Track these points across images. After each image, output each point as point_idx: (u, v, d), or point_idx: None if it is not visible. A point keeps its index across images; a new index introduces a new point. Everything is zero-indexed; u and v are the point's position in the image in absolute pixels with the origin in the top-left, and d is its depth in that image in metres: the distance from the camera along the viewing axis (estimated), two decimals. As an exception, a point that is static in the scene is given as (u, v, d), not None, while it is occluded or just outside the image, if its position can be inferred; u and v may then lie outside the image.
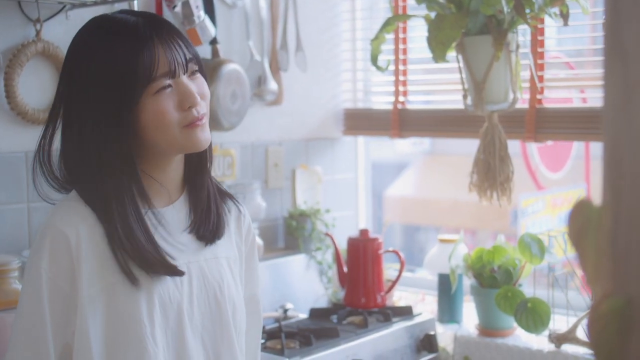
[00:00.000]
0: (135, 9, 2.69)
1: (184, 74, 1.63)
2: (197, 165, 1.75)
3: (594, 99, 3.21)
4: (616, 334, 0.77)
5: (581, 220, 0.81)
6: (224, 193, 1.86)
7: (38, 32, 2.57)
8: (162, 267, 1.61)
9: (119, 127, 1.58)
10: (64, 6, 2.63)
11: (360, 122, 3.60)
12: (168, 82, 1.60)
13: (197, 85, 1.66)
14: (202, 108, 1.65)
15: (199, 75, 1.68)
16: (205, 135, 1.66)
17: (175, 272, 1.64)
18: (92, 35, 1.64)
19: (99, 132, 1.59)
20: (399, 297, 3.36)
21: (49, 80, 2.63)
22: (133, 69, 1.56)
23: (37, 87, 2.60)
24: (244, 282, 1.86)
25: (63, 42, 2.63)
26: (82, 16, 2.67)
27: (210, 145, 1.73)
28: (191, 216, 1.74)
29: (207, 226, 1.74)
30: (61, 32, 2.64)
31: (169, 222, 1.69)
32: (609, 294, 0.79)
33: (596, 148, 4.76)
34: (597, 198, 0.82)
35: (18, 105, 2.52)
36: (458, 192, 8.80)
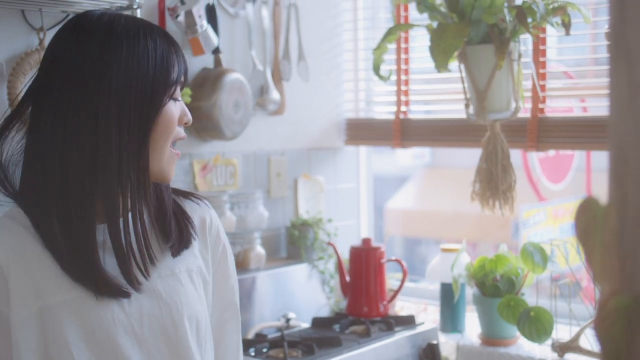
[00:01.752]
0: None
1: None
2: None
3: (595, 108, 3.21)
4: (623, 332, 0.77)
5: (588, 218, 0.81)
6: (180, 202, 1.74)
7: (41, 41, 2.57)
8: (106, 287, 1.52)
9: (142, 138, 1.53)
10: (67, 15, 2.64)
11: (362, 132, 3.61)
12: (179, 92, 1.61)
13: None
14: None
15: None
16: (173, 170, 1.63)
17: (119, 293, 1.53)
18: (105, 23, 1.54)
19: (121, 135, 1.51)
20: (400, 307, 3.35)
21: (52, 89, 2.64)
22: (166, 68, 1.55)
23: (40, 95, 2.60)
24: (217, 291, 1.77)
25: (66, 50, 2.64)
26: (85, 25, 2.68)
27: None
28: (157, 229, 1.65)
29: (168, 241, 1.65)
30: (64, 41, 2.65)
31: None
32: (615, 291, 0.79)
33: (597, 160, 4.78)
34: (603, 196, 0.82)
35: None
36: (459, 204, 8.80)
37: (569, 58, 3.20)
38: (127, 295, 1.54)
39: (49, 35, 2.59)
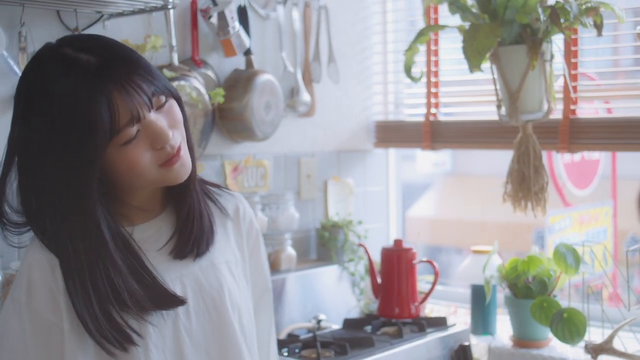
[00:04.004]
0: (171, 20, 2.71)
1: (150, 112, 1.49)
2: (181, 186, 1.62)
3: (620, 109, 3.19)
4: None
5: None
6: (213, 192, 1.75)
7: (76, 41, 2.59)
8: (162, 299, 1.53)
9: (84, 185, 1.46)
10: (102, 15, 2.65)
11: (392, 134, 3.61)
12: (134, 129, 1.46)
13: (167, 116, 1.52)
14: (177, 140, 1.53)
15: (168, 101, 1.53)
16: (184, 167, 1.55)
17: (176, 302, 1.55)
18: (44, 78, 1.47)
19: (62, 187, 1.46)
20: (430, 310, 3.34)
21: (87, 89, 2.65)
22: (93, 125, 1.41)
23: (74, 95, 2.62)
24: (252, 280, 1.78)
25: (100, 51, 2.65)
26: (119, 25, 2.70)
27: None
28: (177, 230, 1.64)
29: (191, 243, 1.64)
30: (98, 41, 2.66)
31: (149, 237, 1.60)
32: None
33: (623, 166, 4.75)
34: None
35: (56, 113, 2.53)
36: (479, 212, 8.77)
37: (590, 59, 3.18)
38: (182, 302, 1.56)
39: (84, 36, 2.60)
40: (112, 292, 1.46)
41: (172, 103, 1.54)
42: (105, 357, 1.47)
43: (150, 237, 1.60)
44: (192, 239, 1.63)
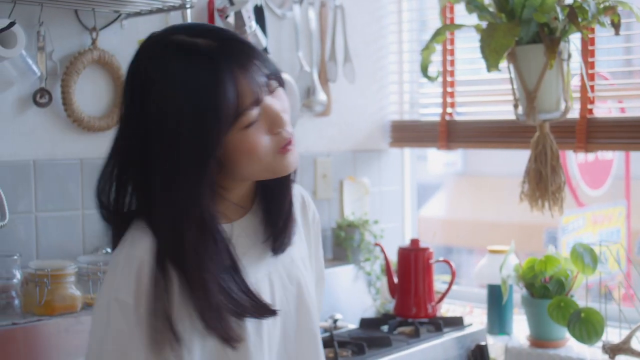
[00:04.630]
0: (188, 18, 2.72)
1: (267, 95, 1.47)
2: (284, 179, 1.59)
3: (634, 109, 3.17)
4: None
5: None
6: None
7: (94, 41, 2.60)
8: (254, 310, 1.50)
9: (204, 169, 1.42)
10: (119, 15, 2.66)
11: (407, 133, 3.60)
12: (255, 111, 1.44)
13: (279, 101, 1.49)
14: (289, 126, 1.50)
15: (279, 87, 1.51)
16: (295, 157, 1.52)
17: (267, 312, 1.52)
18: (161, 65, 1.44)
19: (182, 174, 1.42)
20: (446, 310, 3.34)
21: (104, 88, 2.66)
22: (219, 107, 1.39)
23: (92, 94, 2.63)
24: (314, 271, 1.77)
25: (118, 50, 2.66)
26: (137, 25, 2.71)
27: None
28: (268, 227, 1.61)
29: (284, 238, 1.61)
30: (116, 40, 2.67)
31: (244, 234, 1.58)
32: None
33: (636, 166, 4.74)
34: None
35: (74, 112, 2.55)
36: (491, 213, 8.76)
37: (606, 59, 3.17)
38: (273, 313, 1.53)
39: (102, 35, 2.61)
40: (222, 294, 1.45)
41: (282, 92, 1.52)
42: (215, 356, 1.48)
43: (242, 232, 1.57)
44: (285, 235, 1.62)
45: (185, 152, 1.41)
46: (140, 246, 1.44)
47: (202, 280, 1.42)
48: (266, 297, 1.54)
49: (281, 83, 1.52)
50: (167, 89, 1.42)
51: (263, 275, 1.58)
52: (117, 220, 1.53)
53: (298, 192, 1.73)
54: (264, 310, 1.51)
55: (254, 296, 1.49)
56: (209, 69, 1.40)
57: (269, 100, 1.46)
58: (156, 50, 1.46)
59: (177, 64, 1.42)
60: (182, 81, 1.41)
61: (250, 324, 1.51)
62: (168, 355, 1.43)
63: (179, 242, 1.42)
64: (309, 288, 1.67)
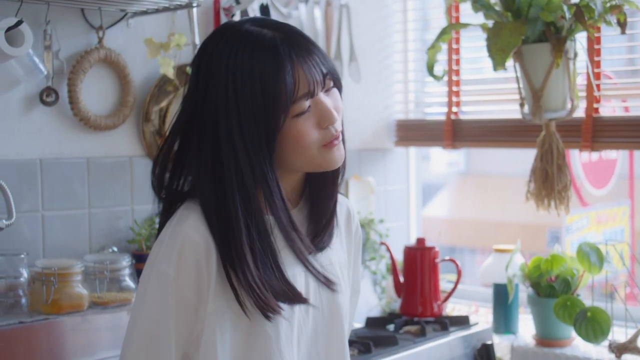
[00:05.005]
0: (194, 17, 2.72)
1: (321, 91, 1.55)
2: (331, 177, 1.66)
3: (638, 108, 3.17)
4: None
5: None
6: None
7: (100, 39, 2.60)
8: (287, 295, 1.56)
9: (264, 152, 1.50)
10: (126, 14, 2.66)
11: (412, 133, 3.60)
12: (307, 103, 1.52)
13: (332, 100, 1.56)
14: (339, 124, 1.57)
15: (334, 87, 1.58)
16: (341, 153, 1.59)
17: (299, 299, 1.58)
18: (227, 51, 1.51)
19: (240, 152, 1.50)
20: (451, 309, 3.34)
21: (111, 87, 2.66)
22: (277, 92, 1.48)
23: (98, 93, 2.63)
24: (351, 282, 1.82)
25: (124, 49, 2.67)
26: (143, 24, 2.71)
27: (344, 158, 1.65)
28: (310, 224, 1.66)
29: (324, 237, 1.67)
30: (122, 39, 2.67)
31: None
32: None
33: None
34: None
35: (81, 111, 2.55)
36: (493, 212, 8.75)
37: (613, 58, 3.17)
38: (305, 301, 1.59)
39: (108, 34, 2.61)
40: (259, 277, 1.51)
41: (337, 92, 1.59)
42: (241, 337, 1.54)
43: None
44: (326, 233, 1.68)
45: (246, 131, 1.49)
46: (186, 223, 1.51)
47: (241, 262, 1.49)
48: (300, 289, 1.59)
49: (337, 84, 1.59)
50: (233, 71, 1.49)
51: (300, 270, 1.61)
52: (169, 199, 1.61)
53: (345, 202, 1.81)
54: (296, 297, 1.56)
55: (288, 283, 1.55)
56: (272, 56, 1.48)
57: (322, 96, 1.54)
58: (225, 37, 1.54)
59: (244, 48, 1.50)
60: (247, 65, 1.49)
61: (283, 317, 1.56)
62: (198, 331, 1.51)
63: (228, 220, 1.49)
64: (343, 293, 1.71)
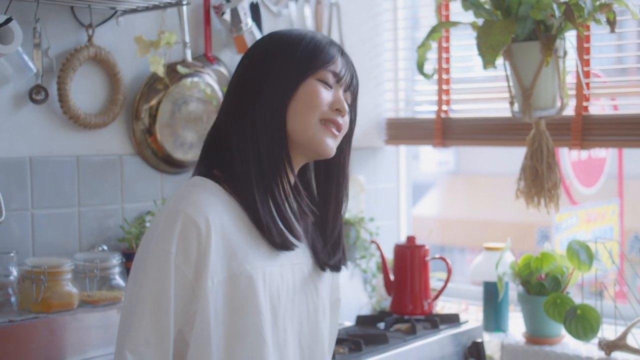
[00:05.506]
0: (185, 15, 2.73)
1: (342, 90, 1.72)
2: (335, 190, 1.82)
3: (627, 106, 3.17)
4: None
5: None
6: None
7: (90, 37, 2.59)
8: (281, 236, 1.67)
9: (285, 99, 1.67)
10: (115, 12, 2.65)
11: (403, 131, 3.61)
12: (332, 80, 1.69)
13: (349, 106, 1.75)
14: (345, 124, 1.73)
15: (353, 103, 1.77)
16: (334, 145, 1.72)
17: (289, 245, 1.68)
18: (282, 34, 1.75)
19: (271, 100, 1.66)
20: (441, 307, 3.34)
21: (101, 85, 2.65)
22: (317, 52, 1.68)
23: (88, 91, 2.62)
24: (331, 287, 1.90)
25: (114, 47, 2.66)
26: (133, 22, 2.71)
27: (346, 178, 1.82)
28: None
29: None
30: (112, 37, 2.67)
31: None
32: None
33: (629, 164, 4.75)
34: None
35: (70, 109, 2.54)
36: (483, 212, 8.77)
37: (602, 56, 3.18)
38: (292, 246, 1.69)
39: (98, 32, 2.61)
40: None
41: (353, 106, 1.78)
42: (234, 314, 1.60)
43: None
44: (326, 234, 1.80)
45: (278, 75, 1.68)
46: (186, 201, 1.60)
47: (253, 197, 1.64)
48: (286, 281, 1.70)
49: (353, 103, 1.78)
50: (288, 39, 1.72)
51: (287, 263, 1.72)
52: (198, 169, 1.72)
53: None
54: (285, 239, 1.68)
55: (288, 224, 1.68)
56: (327, 39, 1.73)
57: (342, 93, 1.72)
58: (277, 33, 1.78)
59: (294, 39, 1.72)
60: (296, 36, 1.72)
61: (269, 310, 1.65)
62: (193, 310, 1.58)
63: (254, 157, 1.65)
64: (325, 294, 1.82)
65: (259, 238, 1.66)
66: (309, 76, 1.68)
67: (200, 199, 1.60)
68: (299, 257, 1.75)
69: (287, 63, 1.68)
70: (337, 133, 1.71)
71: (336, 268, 1.82)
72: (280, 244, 1.66)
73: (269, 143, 1.66)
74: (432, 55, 3.35)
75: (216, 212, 1.60)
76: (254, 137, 1.65)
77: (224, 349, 1.58)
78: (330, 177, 1.80)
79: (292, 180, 1.71)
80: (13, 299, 2.34)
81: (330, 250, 1.80)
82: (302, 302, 1.74)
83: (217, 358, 1.58)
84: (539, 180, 2.90)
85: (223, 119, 1.72)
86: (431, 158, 9.68)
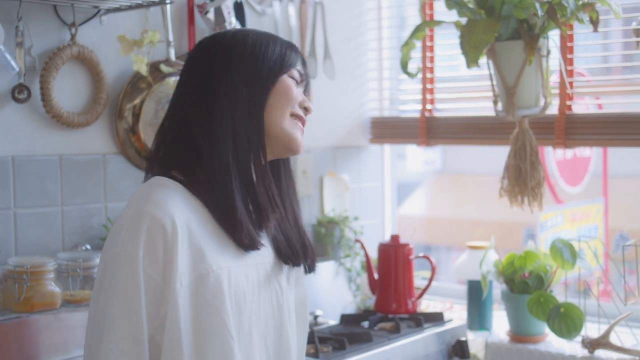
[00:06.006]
0: (168, 14, 2.73)
1: (302, 91, 1.80)
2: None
3: (611, 105, 3.18)
4: None
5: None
6: None
7: (73, 36, 2.58)
8: (249, 236, 1.67)
9: (262, 92, 1.71)
10: (99, 10, 2.65)
11: (387, 130, 3.61)
12: (299, 79, 1.77)
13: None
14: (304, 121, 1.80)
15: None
16: (302, 140, 1.77)
17: (256, 244, 1.68)
18: (248, 32, 1.78)
19: (243, 105, 1.68)
20: (426, 306, 3.35)
21: (84, 84, 2.64)
22: (283, 54, 1.74)
23: (71, 90, 2.61)
24: (295, 287, 1.90)
25: (97, 46, 2.65)
26: (116, 21, 2.70)
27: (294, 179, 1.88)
28: None
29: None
30: (95, 36, 2.66)
31: None
32: None
33: (613, 163, 4.76)
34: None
35: (53, 108, 2.53)
36: (469, 211, 8.78)
37: (585, 55, 3.18)
38: (259, 245, 1.69)
39: (81, 31, 2.60)
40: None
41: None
42: (201, 314, 1.59)
43: None
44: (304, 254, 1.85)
45: (250, 81, 1.71)
46: (150, 203, 1.58)
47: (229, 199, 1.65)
48: (252, 280, 1.70)
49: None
50: (252, 42, 1.74)
51: (252, 263, 1.71)
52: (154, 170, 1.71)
53: None
54: (254, 240, 1.68)
55: (264, 220, 1.71)
56: (286, 43, 1.78)
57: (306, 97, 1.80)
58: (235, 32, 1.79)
59: (265, 36, 1.77)
60: (265, 38, 1.76)
61: (234, 310, 1.65)
62: (163, 313, 1.57)
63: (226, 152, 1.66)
64: (289, 294, 1.83)
65: (226, 238, 1.65)
66: (284, 72, 1.74)
67: (165, 199, 1.59)
68: (264, 256, 1.74)
69: (266, 59, 1.71)
70: (303, 130, 1.77)
71: (312, 268, 1.87)
72: (248, 245, 1.66)
73: (246, 139, 1.67)
74: (416, 54, 3.36)
75: (181, 212, 1.59)
76: (229, 135, 1.65)
77: (194, 349, 1.58)
78: (281, 176, 1.83)
79: (269, 175, 1.73)
80: (-5, 298, 2.34)
81: (300, 251, 1.82)
82: (266, 301, 1.74)
83: (189, 358, 1.57)
84: (523, 179, 2.91)
85: (183, 118, 1.70)
86: (418, 157, 9.70)
